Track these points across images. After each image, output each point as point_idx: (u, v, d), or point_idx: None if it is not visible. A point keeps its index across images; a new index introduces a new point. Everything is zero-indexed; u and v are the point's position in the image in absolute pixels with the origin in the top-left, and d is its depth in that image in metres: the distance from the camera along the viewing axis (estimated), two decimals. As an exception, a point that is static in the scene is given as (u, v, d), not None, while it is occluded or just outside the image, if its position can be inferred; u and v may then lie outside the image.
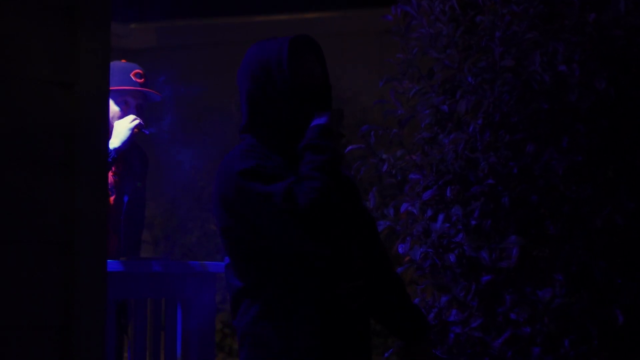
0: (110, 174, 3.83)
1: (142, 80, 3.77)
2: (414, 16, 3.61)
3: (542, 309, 3.20)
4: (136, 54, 9.35)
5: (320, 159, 2.32)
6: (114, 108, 3.76)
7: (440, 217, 3.32)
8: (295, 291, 2.37)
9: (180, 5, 9.53)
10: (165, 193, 7.73)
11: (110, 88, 3.79)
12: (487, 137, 3.30)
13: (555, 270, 3.28)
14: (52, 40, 2.37)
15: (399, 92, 3.76)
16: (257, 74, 2.46)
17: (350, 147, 3.63)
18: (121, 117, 3.79)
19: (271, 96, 2.44)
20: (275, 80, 2.43)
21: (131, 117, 3.71)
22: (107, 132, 2.44)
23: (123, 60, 3.92)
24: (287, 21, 9.38)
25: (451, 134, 3.41)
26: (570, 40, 3.33)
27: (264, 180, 2.35)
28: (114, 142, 3.68)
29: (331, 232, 2.31)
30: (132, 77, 3.76)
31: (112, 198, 3.84)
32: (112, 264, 3.51)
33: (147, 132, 3.75)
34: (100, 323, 2.33)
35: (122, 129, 3.68)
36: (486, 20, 3.50)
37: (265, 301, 2.38)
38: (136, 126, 3.69)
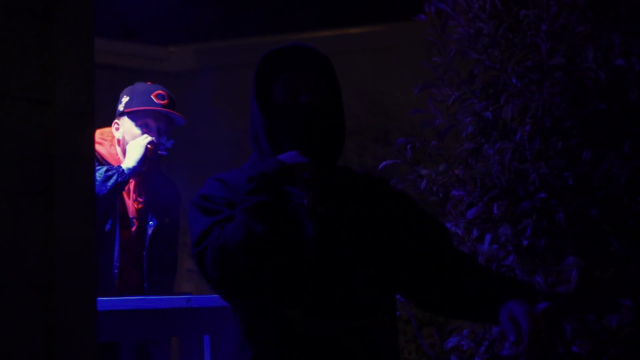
0: (132, 202, 3.60)
1: (165, 102, 3.59)
2: (450, 14, 3.25)
3: (608, 339, 2.80)
4: (176, 77, 9.16)
5: (249, 204, 2.20)
6: (134, 130, 3.57)
7: (487, 237, 2.94)
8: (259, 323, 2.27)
9: (219, 26, 9.34)
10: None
11: (129, 109, 3.56)
12: (537, 145, 2.91)
13: (622, 293, 2.88)
14: (24, 49, 2.06)
15: (438, 100, 3.40)
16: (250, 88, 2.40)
17: (384, 163, 3.27)
18: None
19: (252, 111, 2.37)
20: (251, 96, 2.37)
21: (144, 136, 3.52)
22: (92, 155, 2.14)
23: (149, 82, 3.72)
24: (329, 37, 9.13)
25: (496, 144, 3.03)
26: (628, 30, 2.93)
27: (196, 215, 2.29)
28: (128, 162, 3.48)
29: (270, 271, 2.18)
30: (154, 98, 3.58)
31: (133, 228, 3.60)
32: (122, 301, 3.29)
33: (162, 153, 3.56)
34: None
35: (134, 148, 3.49)
36: (531, 15, 3.13)
37: (237, 324, 2.32)
38: (149, 143, 3.49)
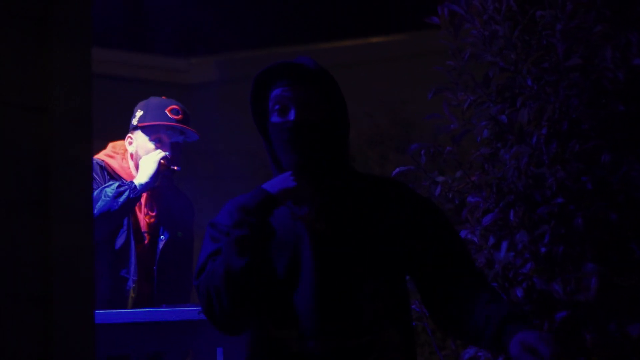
0: (144, 216, 3.56)
1: (180, 116, 3.55)
2: (464, 17, 3.16)
3: (630, 349, 2.70)
4: (197, 89, 9.15)
5: (231, 238, 2.22)
6: (147, 145, 3.53)
7: (504, 244, 2.85)
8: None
9: (240, 37, 9.32)
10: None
11: (143, 124, 3.52)
12: (554, 148, 2.82)
13: (644, 301, 2.79)
14: (20, 55, 2.00)
15: (453, 105, 3.32)
16: None
17: (398, 169, 3.19)
18: None
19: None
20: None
21: (157, 151, 3.47)
22: (90, 164, 2.08)
23: (163, 97, 3.68)
24: (350, 47, 9.09)
25: (513, 148, 2.95)
26: (646, 29, 2.84)
27: (204, 242, 2.32)
28: (141, 177, 3.43)
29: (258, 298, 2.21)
30: (168, 113, 3.54)
31: (145, 242, 3.56)
32: (133, 314, 3.29)
33: (175, 168, 3.50)
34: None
35: (147, 163, 3.44)
36: (547, 15, 3.04)
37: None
38: (162, 158, 3.44)
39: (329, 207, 2.29)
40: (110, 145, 3.63)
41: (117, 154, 3.59)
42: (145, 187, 3.43)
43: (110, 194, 3.34)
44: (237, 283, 2.18)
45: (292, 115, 2.27)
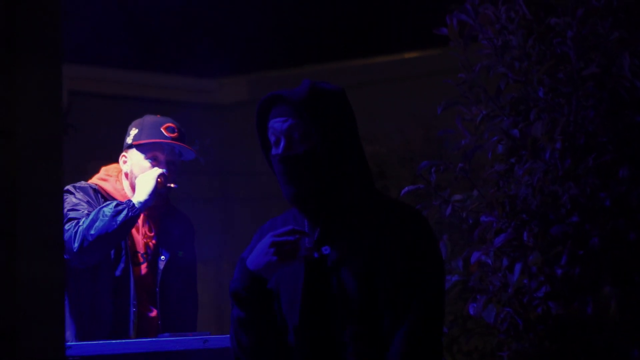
0: (142, 238, 3.46)
1: (175, 134, 3.47)
2: (473, 26, 3.01)
3: (654, 378, 2.51)
4: (227, 109, 9.08)
5: (233, 317, 2.34)
6: (142, 163, 3.44)
7: (517, 267, 2.68)
8: None
9: (271, 56, 9.24)
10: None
11: (138, 142, 3.43)
12: (568, 163, 2.64)
13: (669, 325, 2.59)
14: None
15: (467, 119, 3.16)
16: None
17: (406, 189, 3.04)
18: None
19: None
20: None
21: (155, 168, 3.38)
22: (60, 192, 1.97)
23: (158, 115, 3.59)
24: (386, 63, 8.96)
25: (526, 164, 2.78)
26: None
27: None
28: (140, 195, 3.34)
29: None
30: (163, 131, 3.47)
31: (143, 265, 3.44)
32: (135, 344, 3.17)
33: (173, 186, 3.41)
34: None
35: (144, 181, 3.35)
36: (562, 23, 2.87)
37: None
38: (159, 176, 3.35)
39: (324, 241, 2.30)
40: (103, 169, 3.56)
41: (110, 176, 3.51)
42: (144, 205, 3.34)
43: (108, 214, 3.24)
44: (247, 354, 2.33)
45: (280, 148, 2.30)
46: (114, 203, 3.30)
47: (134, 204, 3.32)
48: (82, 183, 3.45)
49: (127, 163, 3.48)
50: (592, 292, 2.61)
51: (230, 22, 8.76)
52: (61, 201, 1.99)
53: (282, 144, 2.30)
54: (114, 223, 3.24)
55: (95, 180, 3.51)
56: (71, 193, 3.38)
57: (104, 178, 3.50)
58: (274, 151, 2.33)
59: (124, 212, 3.26)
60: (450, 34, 3.08)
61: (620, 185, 2.66)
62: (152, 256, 3.47)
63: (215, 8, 8.86)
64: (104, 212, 3.26)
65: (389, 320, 2.20)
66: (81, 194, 3.38)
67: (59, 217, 1.99)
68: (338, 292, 2.23)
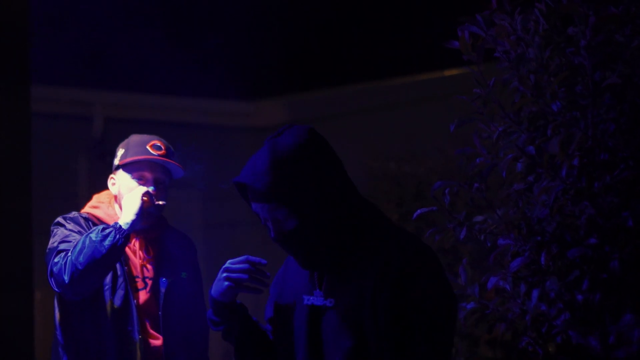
0: (140, 262, 3.32)
1: (162, 152, 3.34)
2: (486, 39, 2.85)
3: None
4: (266, 132, 8.96)
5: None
6: (130, 183, 3.32)
7: (535, 293, 2.50)
8: None
9: (307, 78, 9.13)
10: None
11: (124, 161, 3.33)
12: (584, 181, 2.47)
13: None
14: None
15: (483, 137, 3.00)
16: None
17: (419, 211, 2.89)
18: None
19: None
20: None
21: (139, 187, 3.26)
22: (29, 223, 1.86)
23: (144, 135, 3.47)
24: (425, 82, 8.80)
25: (543, 182, 2.61)
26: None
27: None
28: (126, 216, 3.21)
29: None
30: (149, 149, 3.34)
31: (144, 291, 3.30)
32: None
33: (160, 203, 3.28)
34: None
35: (130, 201, 3.23)
36: (579, 32, 2.70)
37: None
38: (144, 194, 3.22)
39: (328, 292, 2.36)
40: (95, 196, 3.43)
41: (102, 202, 3.39)
42: (132, 225, 3.19)
43: (95, 239, 3.10)
44: None
45: (271, 232, 2.37)
46: (100, 227, 3.17)
47: (120, 226, 3.18)
48: (73, 213, 3.33)
49: (116, 185, 3.36)
50: (612, 319, 2.42)
51: (266, 44, 8.68)
52: (30, 232, 1.88)
53: (270, 227, 2.36)
54: (101, 248, 3.10)
55: (86, 208, 3.39)
56: (61, 225, 3.26)
57: (96, 205, 3.38)
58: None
59: (111, 235, 3.12)
60: (461, 47, 2.92)
61: (641, 205, 2.48)
62: (152, 280, 3.33)
63: (254, 30, 8.80)
64: (90, 238, 3.12)
65: None
66: (72, 224, 3.27)
67: (29, 252, 1.88)
68: (332, 339, 2.26)
